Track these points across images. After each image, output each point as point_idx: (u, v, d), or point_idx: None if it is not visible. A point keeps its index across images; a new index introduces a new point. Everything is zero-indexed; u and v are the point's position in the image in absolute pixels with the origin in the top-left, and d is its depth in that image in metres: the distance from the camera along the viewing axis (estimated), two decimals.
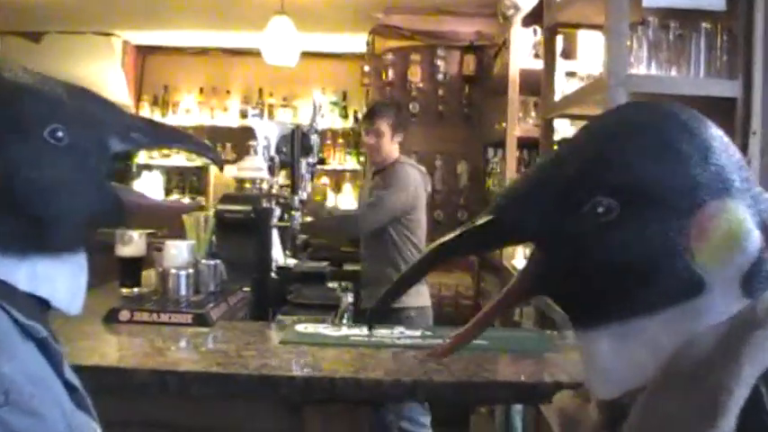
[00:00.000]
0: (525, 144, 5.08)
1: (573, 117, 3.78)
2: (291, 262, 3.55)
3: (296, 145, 3.30)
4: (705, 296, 0.95)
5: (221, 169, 1.54)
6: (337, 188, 8.31)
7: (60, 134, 1.12)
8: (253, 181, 3.23)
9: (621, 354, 1.00)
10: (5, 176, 1.08)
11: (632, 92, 2.62)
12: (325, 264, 3.81)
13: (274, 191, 3.34)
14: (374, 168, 4.64)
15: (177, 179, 8.36)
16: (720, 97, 2.67)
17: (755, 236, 0.95)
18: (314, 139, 3.66)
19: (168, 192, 8.25)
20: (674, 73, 2.75)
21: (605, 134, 1.01)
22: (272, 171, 3.35)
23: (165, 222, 3.04)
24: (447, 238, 1.10)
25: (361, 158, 7.92)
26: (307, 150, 3.47)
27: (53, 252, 1.14)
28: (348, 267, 6.32)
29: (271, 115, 8.18)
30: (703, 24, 2.71)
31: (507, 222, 1.05)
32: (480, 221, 1.07)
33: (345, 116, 8.26)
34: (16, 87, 1.13)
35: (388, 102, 5.43)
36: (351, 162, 8.20)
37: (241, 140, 8.13)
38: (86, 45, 7.71)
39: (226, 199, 3.15)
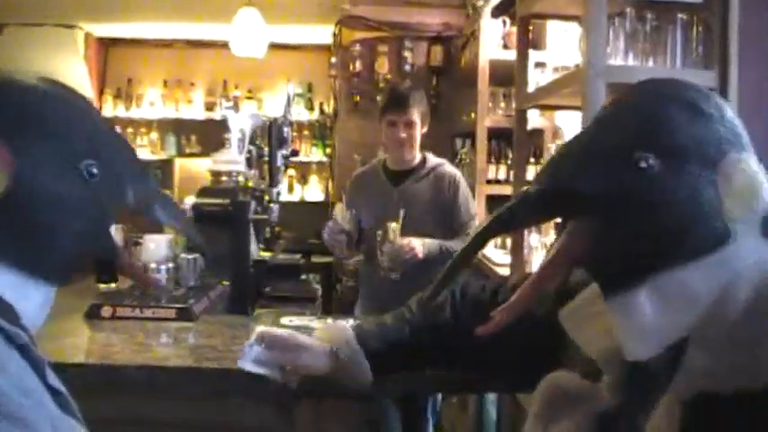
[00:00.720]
0: (495, 134, 5.09)
1: (547, 108, 3.80)
2: (266, 255, 3.53)
3: (273, 137, 3.28)
4: (733, 243, 1.10)
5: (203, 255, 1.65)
6: (304, 180, 8.29)
7: (95, 171, 1.16)
8: (229, 174, 3.20)
9: (662, 308, 1.11)
10: (27, 192, 1.10)
11: (610, 82, 2.63)
12: (298, 256, 3.80)
13: (251, 184, 3.32)
14: (395, 166, 3.97)
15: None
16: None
17: (767, 187, 1.12)
18: (287, 131, 3.63)
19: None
20: (650, 64, 2.76)
21: (637, 103, 1.17)
22: (249, 164, 3.32)
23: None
24: (499, 211, 1.21)
25: (327, 150, 7.90)
26: (281, 142, 3.45)
27: (40, 276, 1.15)
28: (316, 260, 6.35)
29: (236, 108, 8.12)
30: (680, 15, 2.72)
31: (561, 187, 1.16)
32: (533, 190, 1.19)
33: (311, 108, 8.23)
34: (63, 110, 1.17)
35: (412, 84, 4.73)
36: (317, 154, 8.18)
37: (206, 133, 8.12)
38: (48, 37, 7.61)
39: (202, 192, 3.12)
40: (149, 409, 1.98)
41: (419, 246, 3.64)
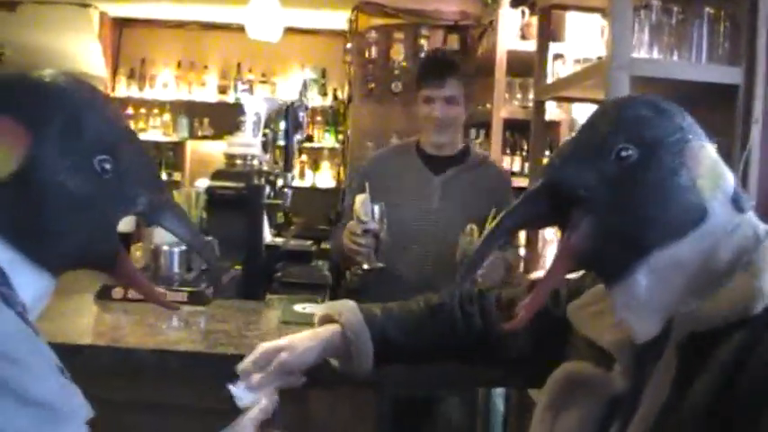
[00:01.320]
0: (510, 125, 5.05)
1: (566, 99, 3.76)
2: (279, 240, 3.51)
3: (290, 121, 3.25)
4: (711, 218, 1.25)
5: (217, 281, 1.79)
6: (315, 166, 8.25)
7: (108, 167, 1.16)
8: (243, 157, 3.17)
9: (658, 284, 1.25)
10: (38, 176, 1.11)
11: (634, 75, 2.60)
12: (309, 242, 3.77)
13: (265, 168, 3.29)
14: (433, 150, 3.31)
15: (153, 154, 8.22)
16: (722, 84, 2.65)
17: (728, 170, 1.30)
18: (302, 115, 3.60)
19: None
20: (675, 58, 2.72)
21: (610, 108, 1.34)
22: (265, 148, 3.29)
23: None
24: (507, 210, 1.36)
25: (340, 136, 7.87)
26: (296, 127, 3.42)
27: (35, 261, 1.14)
28: (325, 246, 6.30)
29: (250, 91, 8.09)
30: (706, 9, 2.68)
31: (560, 180, 1.30)
32: (536, 187, 1.33)
33: (325, 93, 8.19)
34: (85, 105, 1.18)
35: (454, 54, 3.91)
36: (329, 140, 8.14)
37: (219, 116, 8.09)
38: (63, 16, 7.55)
39: (216, 175, 3.09)
40: (160, 393, 1.96)
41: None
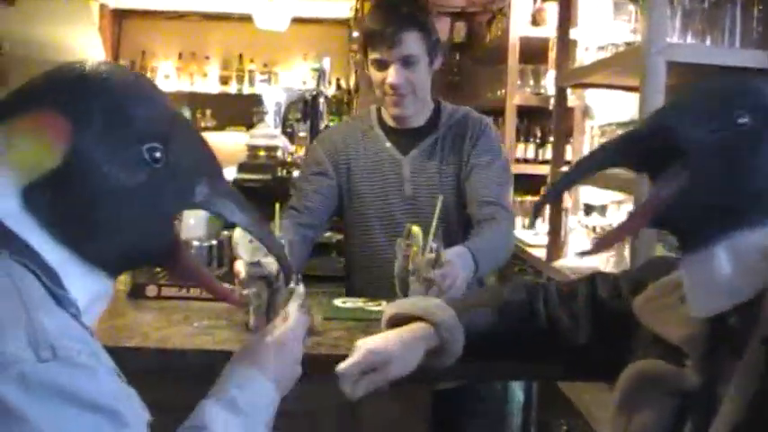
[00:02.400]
0: (522, 112, 5.03)
1: (591, 86, 3.71)
2: None
3: (317, 110, 3.21)
4: None
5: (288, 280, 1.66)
6: None
7: (158, 155, 1.12)
8: (267, 149, 3.13)
9: (737, 267, 1.20)
10: (83, 169, 1.07)
11: (670, 61, 2.56)
12: (329, 234, 3.73)
13: (289, 159, 3.25)
14: (397, 123, 2.75)
15: None
16: (756, 69, 2.61)
17: None
18: (322, 104, 3.57)
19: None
20: (708, 43, 2.69)
21: (726, 78, 1.31)
22: (291, 138, 3.26)
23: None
24: (602, 144, 1.40)
25: None
26: (318, 116, 3.39)
27: (90, 261, 1.11)
28: (334, 237, 6.27)
29: (251, 82, 8.05)
30: None
31: (670, 127, 1.24)
32: (641, 127, 1.34)
33: (329, 83, 8.14)
34: (130, 92, 1.14)
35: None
36: None
37: (221, 107, 8.05)
38: (62, 8, 7.48)
39: (242, 167, 3.05)
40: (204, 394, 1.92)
41: (461, 277, 2.14)
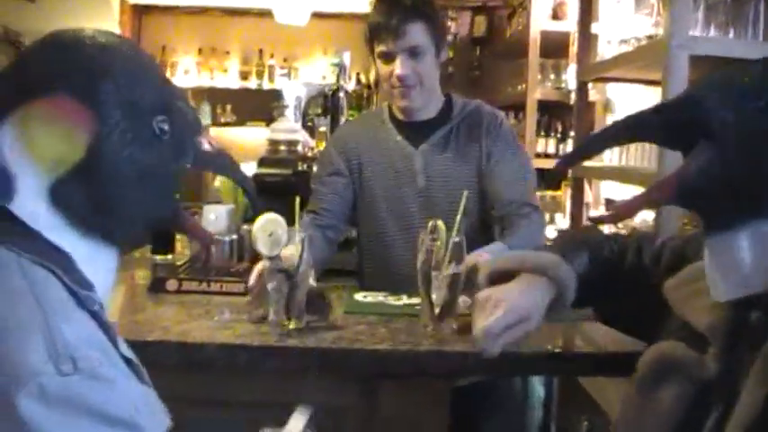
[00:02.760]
0: (542, 107, 5.01)
1: (613, 80, 3.69)
2: None
3: (337, 105, 3.20)
4: None
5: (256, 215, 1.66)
6: None
7: (166, 127, 1.12)
8: (288, 143, 3.12)
9: (760, 254, 1.18)
10: (104, 155, 1.05)
11: (693, 54, 2.54)
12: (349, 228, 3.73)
13: (310, 154, 3.24)
14: (406, 116, 2.74)
15: None
16: None
17: None
18: (342, 98, 3.55)
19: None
20: (731, 36, 2.67)
21: (756, 63, 1.24)
22: (312, 133, 3.25)
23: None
24: (636, 112, 1.30)
25: None
26: (339, 111, 3.38)
27: (111, 243, 1.11)
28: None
29: (271, 77, 8.04)
30: None
31: (699, 104, 1.22)
32: (671, 102, 1.29)
33: (349, 78, 8.12)
34: (135, 64, 1.13)
35: None
36: None
37: (241, 102, 8.05)
38: (82, 4, 7.49)
39: (263, 162, 3.04)
40: (227, 389, 1.92)
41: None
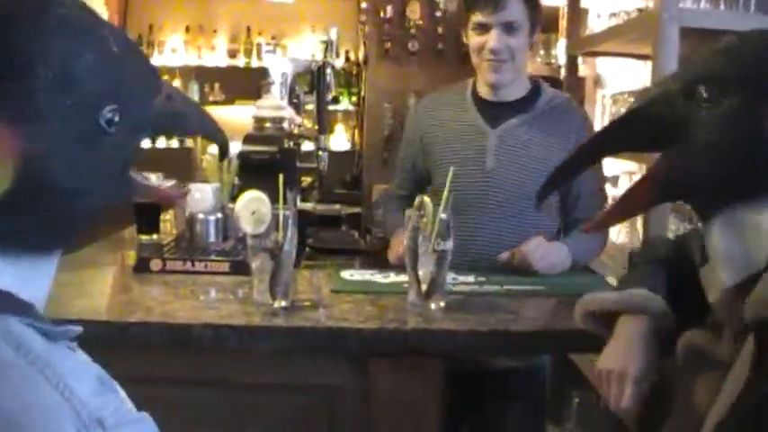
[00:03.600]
0: None
1: (602, 54, 3.65)
2: (307, 206, 3.42)
3: (322, 82, 3.15)
4: None
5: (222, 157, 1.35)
6: (330, 129, 8.13)
7: (116, 118, 0.92)
8: (273, 120, 3.07)
9: (736, 239, 1.20)
10: (40, 171, 0.87)
11: (684, 26, 2.50)
12: (338, 207, 3.70)
13: (297, 131, 3.19)
14: (490, 95, 2.69)
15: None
16: None
17: None
18: (330, 75, 3.50)
19: (154, 138, 8.01)
20: (722, 8, 2.63)
21: (704, 52, 1.26)
22: (298, 109, 3.20)
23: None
24: (601, 129, 1.40)
25: (353, 99, 7.75)
26: (327, 87, 3.33)
27: (54, 251, 0.97)
28: (344, 210, 6.24)
29: (259, 55, 7.98)
30: None
31: (639, 110, 1.29)
32: (625, 113, 1.34)
33: (337, 55, 8.06)
34: (87, 47, 0.91)
35: None
36: (344, 102, 8.02)
37: (229, 80, 7.98)
38: None
39: (248, 139, 2.99)
40: (215, 369, 1.89)
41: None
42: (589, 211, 2.53)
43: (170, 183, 1.23)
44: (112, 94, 0.92)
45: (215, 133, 1.17)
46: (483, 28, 2.54)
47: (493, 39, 2.52)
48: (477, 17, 2.54)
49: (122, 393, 0.92)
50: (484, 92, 2.70)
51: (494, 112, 2.66)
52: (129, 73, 0.96)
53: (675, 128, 1.23)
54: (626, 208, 1.40)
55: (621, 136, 1.35)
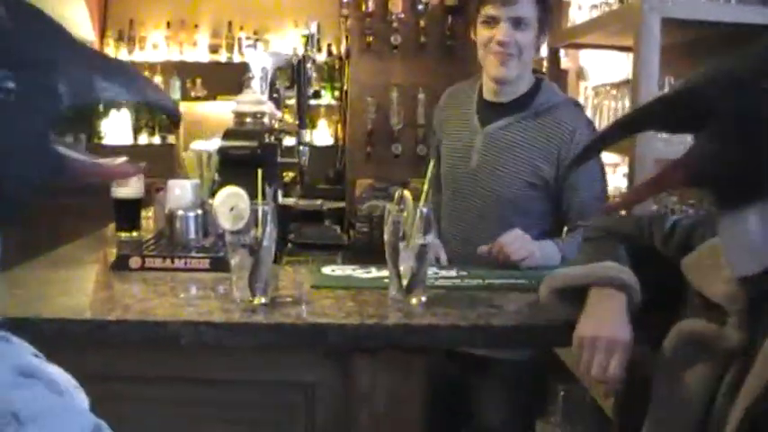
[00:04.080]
0: None
1: (584, 46, 3.64)
2: (289, 201, 3.39)
3: (302, 76, 3.12)
4: None
5: (176, 126, 1.30)
6: (312, 124, 8.10)
7: (11, 85, 0.88)
8: (254, 115, 3.04)
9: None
10: None
11: (665, 17, 2.49)
12: (319, 201, 3.67)
13: (277, 126, 3.17)
14: (490, 94, 2.73)
15: (146, 118, 8.03)
16: (756, 24, 2.55)
17: None
18: (310, 69, 3.47)
19: (137, 131, 7.96)
20: None
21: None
22: (278, 104, 3.17)
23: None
24: (636, 107, 1.45)
25: (336, 93, 7.72)
26: (307, 82, 3.30)
27: None
28: (327, 205, 6.20)
29: (241, 50, 7.94)
30: None
31: (694, 90, 1.27)
32: (668, 93, 1.41)
33: (319, 49, 8.03)
34: None
35: None
36: (326, 97, 7.99)
37: (211, 76, 7.93)
38: None
39: (228, 135, 2.96)
40: (194, 367, 1.87)
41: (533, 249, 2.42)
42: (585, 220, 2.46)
43: (119, 160, 1.16)
44: (3, 62, 0.88)
45: (156, 101, 1.12)
46: (493, 21, 2.57)
47: (501, 32, 2.55)
48: (488, 10, 2.57)
49: (60, 381, 0.88)
50: (485, 90, 2.74)
51: (489, 111, 2.71)
52: (25, 38, 0.92)
53: (719, 114, 1.23)
54: (651, 190, 1.44)
55: (661, 114, 1.33)
